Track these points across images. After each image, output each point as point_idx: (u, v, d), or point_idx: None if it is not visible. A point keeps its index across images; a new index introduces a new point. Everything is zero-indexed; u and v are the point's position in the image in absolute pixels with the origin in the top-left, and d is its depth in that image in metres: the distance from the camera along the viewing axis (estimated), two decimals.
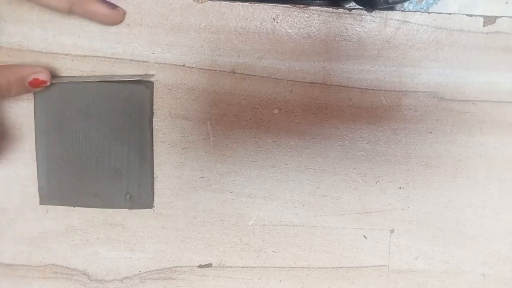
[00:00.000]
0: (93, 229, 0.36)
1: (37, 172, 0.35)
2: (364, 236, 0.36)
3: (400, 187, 0.36)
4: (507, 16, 0.34)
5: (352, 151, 0.35)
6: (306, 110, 0.35)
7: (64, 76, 0.34)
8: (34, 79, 0.32)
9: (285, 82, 0.34)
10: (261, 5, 0.33)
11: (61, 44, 0.33)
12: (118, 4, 0.33)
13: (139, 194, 0.35)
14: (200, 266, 0.37)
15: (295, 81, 0.34)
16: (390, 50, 0.34)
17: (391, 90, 0.34)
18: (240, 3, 0.33)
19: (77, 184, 0.35)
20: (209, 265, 0.37)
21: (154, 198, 0.36)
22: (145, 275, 0.37)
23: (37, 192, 0.35)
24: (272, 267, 0.37)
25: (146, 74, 0.34)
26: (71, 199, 0.35)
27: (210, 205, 0.36)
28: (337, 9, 0.33)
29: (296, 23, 0.33)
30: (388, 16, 0.33)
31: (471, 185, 0.36)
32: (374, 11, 0.33)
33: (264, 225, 0.36)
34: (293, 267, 0.37)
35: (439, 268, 0.37)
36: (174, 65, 0.34)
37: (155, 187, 0.36)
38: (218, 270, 0.37)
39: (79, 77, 0.34)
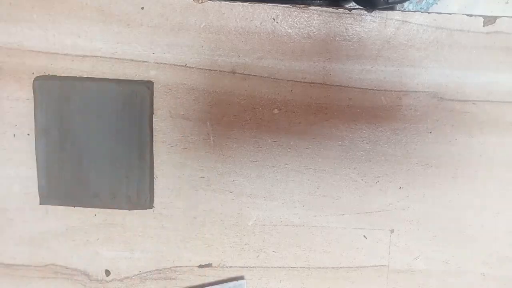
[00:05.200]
0: (93, 229, 0.36)
1: (37, 172, 0.35)
2: (364, 236, 0.36)
3: (400, 187, 0.36)
4: (507, 16, 0.34)
5: (352, 151, 0.35)
6: (306, 110, 0.35)
7: (64, 76, 0.34)
8: None
9: (285, 82, 0.34)
10: (261, 5, 0.33)
11: (61, 44, 0.33)
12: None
13: (139, 194, 0.35)
14: (200, 266, 0.37)
15: (295, 81, 0.34)
16: (390, 50, 0.34)
17: (391, 90, 0.34)
18: (240, 3, 0.33)
19: (77, 184, 0.35)
20: (209, 265, 0.37)
21: (154, 198, 0.36)
22: (145, 275, 0.37)
23: (37, 192, 0.35)
24: (272, 267, 0.37)
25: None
26: (71, 199, 0.35)
27: (210, 205, 0.36)
28: (337, 9, 0.33)
29: (296, 23, 0.33)
30: (388, 16, 0.33)
31: (471, 185, 0.36)
32: (374, 11, 0.33)
33: (264, 225, 0.36)
34: (293, 267, 0.37)
35: (439, 268, 0.37)
36: (174, 65, 0.34)
37: (155, 187, 0.35)
38: (218, 270, 0.37)
39: (79, 77, 0.34)
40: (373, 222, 0.36)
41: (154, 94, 0.34)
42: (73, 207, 0.36)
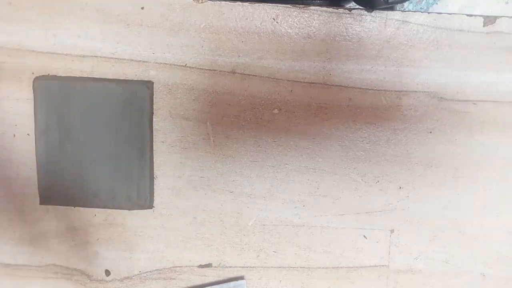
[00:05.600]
0: (93, 229, 0.36)
1: (37, 172, 0.35)
2: (364, 236, 0.36)
3: (400, 187, 0.36)
4: (507, 16, 0.34)
5: (352, 151, 0.35)
6: (306, 110, 0.35)
7: (64, 76, 0.34)
8: None
9: (285, 82, 0.34)
10: (261, 5, 0.33)
11: (61, 44, 0.33)
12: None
13: (139, 194, 0.35)
14: (200, 266, 0.37)
15: (295, 81, 0.34)
16: (390, 50, 0.34)
17: (391, 90, 0.34)
18: (240, 3, 0.33)
19: (77, 184, 0.35)
20: (209, 265, 0.37)
21: (154, 198, 0.36)
22: (145, 275, 0.37)
23: (37, 192, 0.35)
24: (272, 267, 0.37)
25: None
26: (71, 199, 0.35)
27: (210, 205, 0.36)
28: (337, 9, 0.33)
29: (296, 23, 0.33)
30: (388, 16, 0.33)
31: (471, 185, 0.36)
32: (374, 11, 0.33)
33: (264, 225, 0.36)
34: (293, 267, 0.37)
35: (439, 268, 0.37)
36: (174, 65, 0.34)
37: (155, 187, 0.36)
38: (218, 270, 0.37)
39: (79, 77, 0.34)
40: (373, 222, 0.36)
41: (154, 94, 0.34)
42: (73, 207, 0.36)
